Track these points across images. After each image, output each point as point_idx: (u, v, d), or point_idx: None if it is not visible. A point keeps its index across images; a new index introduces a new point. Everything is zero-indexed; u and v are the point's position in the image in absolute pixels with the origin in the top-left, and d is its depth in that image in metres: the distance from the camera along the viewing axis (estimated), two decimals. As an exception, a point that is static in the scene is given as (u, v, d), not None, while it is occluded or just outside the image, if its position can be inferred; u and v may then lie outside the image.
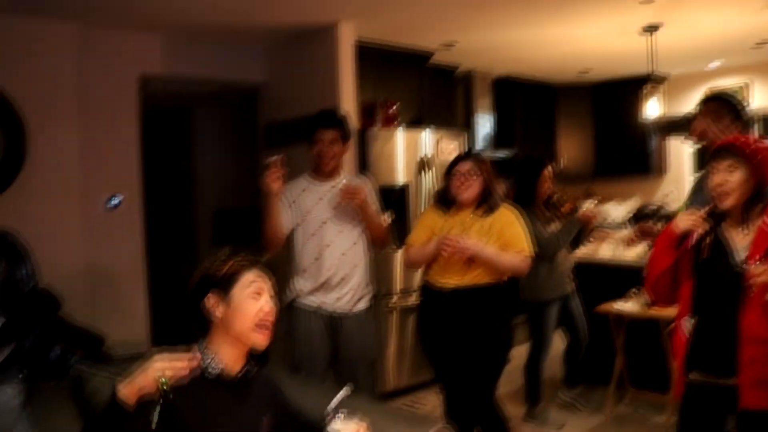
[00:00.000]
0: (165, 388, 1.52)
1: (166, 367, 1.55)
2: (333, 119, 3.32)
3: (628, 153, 7.06)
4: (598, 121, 7.31)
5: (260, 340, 1.82)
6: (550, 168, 4.20)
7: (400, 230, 4.63)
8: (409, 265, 3.59)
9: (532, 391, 4.28)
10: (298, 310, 3.28)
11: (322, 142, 3.22)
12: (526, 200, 4.00)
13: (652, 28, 4.81)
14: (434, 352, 3.34)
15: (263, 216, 3.23)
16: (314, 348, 3.25)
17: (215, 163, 6.20)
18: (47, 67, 4.05)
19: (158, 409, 1.55)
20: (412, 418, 2.11)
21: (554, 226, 4.11)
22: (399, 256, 4.69)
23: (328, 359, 3.28)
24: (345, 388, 2.08)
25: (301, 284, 3.27)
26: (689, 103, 6.81)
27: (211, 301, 1.82)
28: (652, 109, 5.02)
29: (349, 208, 3.21)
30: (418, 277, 4.83)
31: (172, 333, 6.04)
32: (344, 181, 3.28)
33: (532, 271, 3.65)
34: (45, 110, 4.03)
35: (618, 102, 7.04)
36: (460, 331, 3.16)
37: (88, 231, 4.21)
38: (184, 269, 6.45)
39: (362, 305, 3.33)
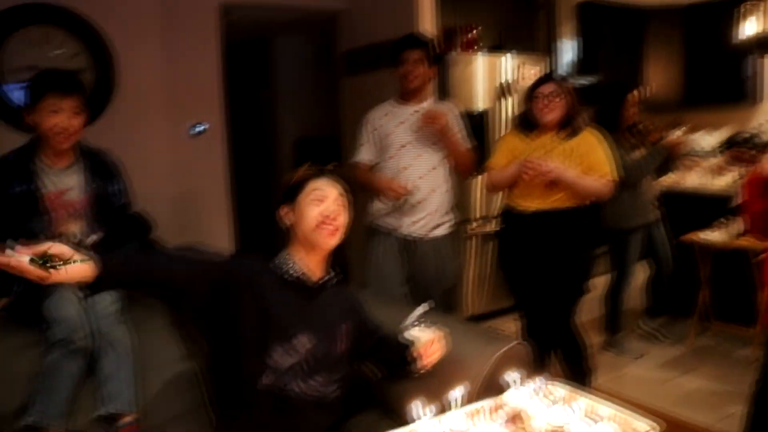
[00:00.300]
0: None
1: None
2: (418, 40, 3.29)
3: (721, 79, 6.67)
4: (689, 45, 6.91)
5: (323, 238, 1.89)
6: (635, 93, 4.05)
7: (479, 156, 4.59)
8: (490, 189, 3.56)
9: (613, 321, 4.25)
10: (374, 231, 3.33)
11: (407, 62, 3.19)
12: (610, 126, 3.86)
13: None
14: (514, 276, 3.35)
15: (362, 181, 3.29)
16: (388, 270, 3.28)
17: (295, 92, 6.25)
18: (132, -2, 4.14)
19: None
20: (489, 335, 2.13)
21: (638, 154, 3.97)
22: (478, 182, 4.67)
23: (403, 282, 3.31)
24: (424, 304, 2.13)
25: (378, 206, 3.31)
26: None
27: (284, 210, 1.94)
28: (750, 28, 4.70)
29: (430, 133, 3.18)
30: (497, 203, 4.83)
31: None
32: (426, 105, 3.25)
33: (615, 198, 3.58)
34: (131, 40, 4.14)
35: (712, 25, 6.61)
36: (541, 254, 3.15)
37: (174, 157, 4.35)
38: (267, 197, 6.67)
39: (440, 231, 3.31)
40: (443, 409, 1.50)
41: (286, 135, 6.28)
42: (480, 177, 4.65)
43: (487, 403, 1.54)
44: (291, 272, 1.90)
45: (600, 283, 4.75)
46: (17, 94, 3.86)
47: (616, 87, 4.12)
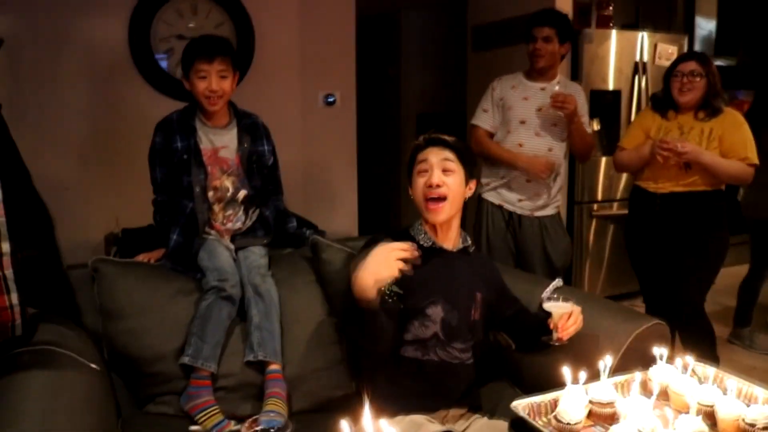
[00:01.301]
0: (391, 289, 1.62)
1: (395, 248, 1.60)
2: (549, 16, 3.19)
3: None
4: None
5: (428, 213, 1.93)
6: None
7: (609, 137, 4.49)
8: (620, 169, 3.46)
9: (743, 313, 4.08)
10: (483, 202, 3.33)
11: (537, 39, 3.13)
12: None
13: None
14: (641, 258, 3.28)
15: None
16: (494, 244, 3.27)
17: (421, 67, 6.27)
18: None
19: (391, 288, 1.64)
20: (627, 312, 2.11)
21: None
22: (603, 163, 4.57)
23: (511, 258, 3.29)
24: (557, 279, 2.14)
25: (488, 178, 3.31)
26: None
27: (409, 187, 2.01)
28: None
29: (554, 114, 3.12)
30: (621, 186, 4.72)
31: (377, 226, 6.43)
32: (557, 86, 3.18)
33: (761, 183, 3.42)
34: (270, 10, 4.30)
35: None
36: (671, 237, 3.07)
37: (307, 125, 4.50)
38: (389, 170, 6.76)
39: (548, 212, 3.26)
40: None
41: (410, 110, 6.33)
42: (604, 159, 4.57)
43: (634, 376, 1.54)
44: (422, 243, 1.95)
45: (733, 273, 4.57)
46: (165, 63, 4.12)
47: None
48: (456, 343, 1.93)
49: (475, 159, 2.10)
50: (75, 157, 3.93)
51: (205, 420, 1.93)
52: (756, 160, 2.97)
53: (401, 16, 6.21)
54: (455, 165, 1.94)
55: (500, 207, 3.26)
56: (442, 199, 1.92)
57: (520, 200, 3.22)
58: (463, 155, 1.98)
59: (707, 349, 3.14)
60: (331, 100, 4.58)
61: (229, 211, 2.31)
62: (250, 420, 1.29)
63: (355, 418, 1.17)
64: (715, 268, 3.12)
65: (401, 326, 1.87)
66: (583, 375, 1.44)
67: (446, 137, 1.99)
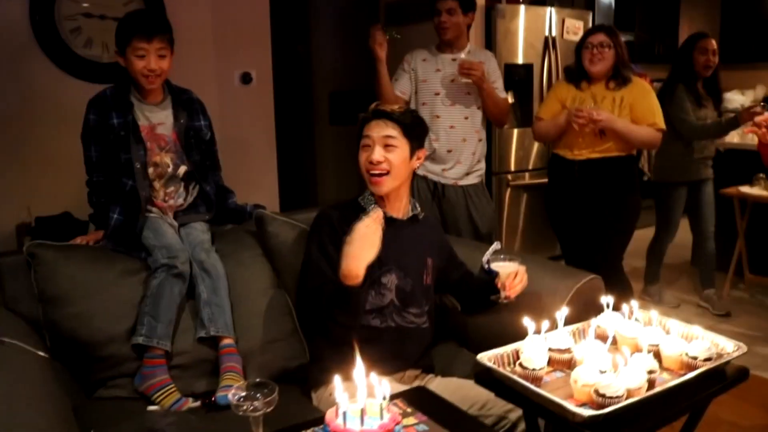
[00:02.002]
0: None
1: (370, 225, 1.75)
2: None
3: (757, 38, 6.67)
4: (725, 2, 6.91)
5: (372, 186, 1.99)
6: (710, 40, 3.93)
7: (523, 109, 4.66)
8: (538, 138, 3.59)
9: (652, 272, 4.35)
10: None
11: (442, 12, 3.19)
12: (683, 76, 3.92)
13: None
14: (561, 223, 3.43)
15: (375, 83, 3.32)
16: None
17: (333, 45, 6.26)
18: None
19: None
20: (561, 269, 2.23)
21: (707, 113, 3.95)
22: (516, 135, 4.73)
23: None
24: (496, 243, 2.23)
25: None
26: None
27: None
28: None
29: (467, 83, 3.18)
30: (532, 157, 4.90)
31: (296, 202, 6.39)
32: (464, 55, 3.23)
33: (665, 150, 3.71)
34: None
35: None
36: (590, 202, 3.23)
37: (224, 104, 4.42)
38: (302, 148, 6.71)
39: (470, 180, 3.32)
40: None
41: (323, 88, 6.33)
42: (516, 131, 4.73)
43: (590, 323, 1.65)
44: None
45: (640, 236, 4.85)
46: (73, 43, 3.93)
47: (686, 41, 4.07)
48: (411, 308, 1.99)
49: (425, 129, 2.12)
50: (-21, 144, 3.73)
51: (162, 399, 1.91)
52: (663, 126, 3.17)
53: (311, -8, 6.18)
54: (398, 140, 1.97)
55: (425, 178, 3.30)
56: (384, 173, 1.96)
57: (444, 170, 3.27)
58: (408, 128, 1.99)
59: (626, 298, 3.33)
60: (247, 78, 4.52)
61: (171, 188, 2.27)
62: None
63: (346, 376, 1.21)
64: (631, 228, 3.31)
65: None
66: (545, 324, 1.53)
67: (390, 110, 2.00)
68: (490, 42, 4.46)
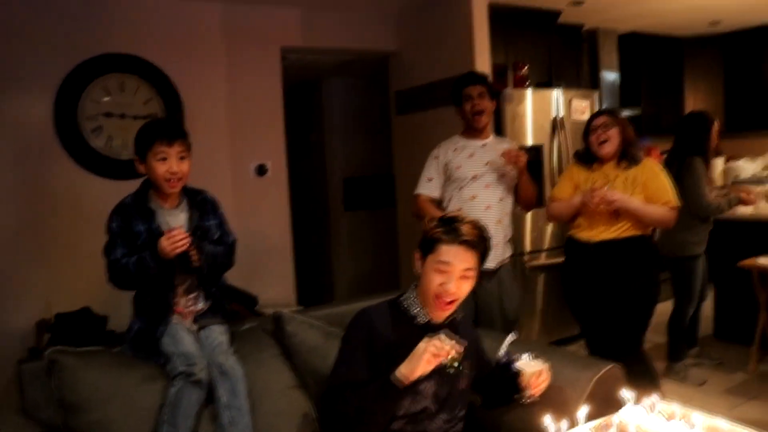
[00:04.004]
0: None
1: (435, 353, 1.76)
2: (477, 76, 3.42)
3: (762, 106, 6.76)
4: (728, 73, 7.03)
5: (437, 309, 1.96)
6: (716, 124, 4.20)
7: (537, 190, 4.69)
8: (553, 219, 3.63)
9: (674, 348, 4.28)
10: None
11: (473, 98, 3.31)
12: (699, 150, 4.07)
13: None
14: (579, 306, 3.41)
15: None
16: None
17: (345, 132, 6.41)
18: (198, 44, 4.37)
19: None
20: (582, 359, 2.21)
21: (714, 191, 4.14)
22: (529, 216, 4.76)
23: (472, 314, 3.32)
24: (511, 334, 2.22)
25: None
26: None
27: (416, 254, 2.01)
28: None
29: (501, 167, 3.29)
30: (548, 237, 4.92)
31: (313, 294, 6.42)
32: (504, 145, 3.37)
33: (689, 226, 3.93)
34: (198, 84, 4.37)
35: (751, 52, 6.73)
36: (607, 284, 3.21)
37: (240, 197, 4.52)
38: (318, 235, 6.79)
39: (501, 262, 3.37)
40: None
41: (336, 175, 6.44)
42: (530, 213, 4.77)
43: (611, 420, 1.62)
44: (418, 319, 1.99)
45: (659, 311, 4.80)
46: (94, 142, 4.07)
47: (699, 117, 4.23)
48: (445, 414, 1.97)
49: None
50: (2, 241, 3.81)
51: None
52: (677, 202, 3.19)
53: (323, 83, 6.37)
54: (473, 271, 1.97)
55: None
56: (454, 301, 1.97)
57: None
58: (483, 256, 2.00)
59: (651, 386, 3.28)
60: (262, 170, 4.63)
61: (193, 293, 2.31)
62: None
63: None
64: (650, 309, 3.28)
65: None
66: (564, 425, 1.51)
67: (477, 238, 1.96)
68: (499, 126, 4.55)
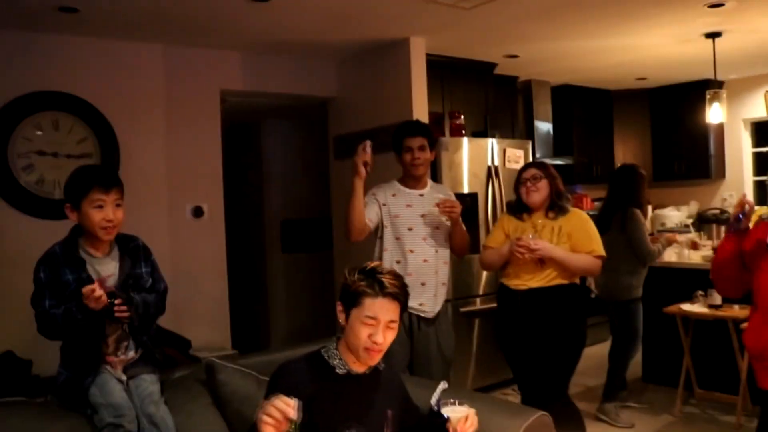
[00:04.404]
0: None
1: (267, 421, 1.65)
2: (420, 127, 3.46)
3: (687, 157, 7.10)
4: (655, 125, 7.38)
5: (367, 359, 1.98)
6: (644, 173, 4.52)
7: (472, 237, 4.78)
8: (485, 267, 3.69)
9: (612, 389, 4.41)
10: None
11: (413, 149, 3.35)
12: (635, 202, 4.31)
13: (714, 35, 4.88)
14: (510, 351, 3.47)
15: (348, 205, 3.30)
16: (393, 348, 3.34)
17: (283, 174, 6.43)
18: (137, 85, 4.35)
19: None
20: (512, 407, 2.26)
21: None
22: (465, 261, 4.84)
23: (407, 359, 3.36)
24: (443, 383, 2.25)
25: None
26: (749, 107, 6.88)
27: (339, 306, 2.01)
28: (716, 114, 5.08)
29: (436, 218, 3.34)
30: (482, 283, 5.01)
31: (249, 337, 6.32)
32: (440, 194, 3.41)
33: (633, 271, 4.23)
34: (135, 126, 4.33)
35: (676, 106, 7.10)
36: (535, 330, 3.28)
37: (176, 239, 4.47)
38: (255, 276, 6.74)
39: (439, 308, 3.41)
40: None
41: (274, 216, 6.44)
42: (467, 257, 4.85)
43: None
44: (338, 370, 2.00)
45: (593, 354, 4.93)
46: (25, 179, 3.98)
47: (632, 170, 4.49)
48: None
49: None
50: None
51: None
52: (602, 252, 3.30)
53: (262, 125, 6.40)
54: (397, 317, 2.00)
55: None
56: (381, 351, 1.99)
57: (421, 304, 3.32)
58: (404, 306, 2.03)
59: (578, 430, 3.36)
60: (199, 212, 4.60)
61: (124, 342, 2.27)
62: None
63: None
64: (575, 354, 3.36)
65: None
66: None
67: (399, 291, 1.98)
68: (435, 173, 4.64)
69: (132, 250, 2.37)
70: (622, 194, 4.36)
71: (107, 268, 2.28)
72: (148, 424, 2.10)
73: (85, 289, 2.04)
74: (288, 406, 1.64)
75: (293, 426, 1.67)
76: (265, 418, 1.65)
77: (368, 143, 3.19)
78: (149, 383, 2.23)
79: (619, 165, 7.15)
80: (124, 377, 2.23)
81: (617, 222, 4.28)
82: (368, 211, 3.36)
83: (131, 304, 2.20)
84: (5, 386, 3.46)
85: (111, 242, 2.33)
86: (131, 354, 2.28)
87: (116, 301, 2.14)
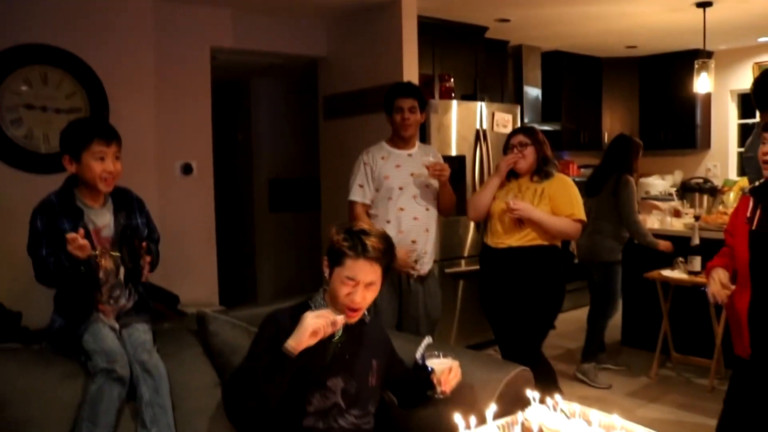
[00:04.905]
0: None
1: (320, 324, 1.85)
2: (411, 89, 3.49)
3: (673, 127, 7.16)
4: (644, 94, 7.42)
5: (346, 314, 2.03)
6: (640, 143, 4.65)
7: (458, 199, 4.83)
8: (474, 212, 3.53)
9: (591, 349, 4.52)
10: None
11: (403, 110, 3.38)
12: (626, 169, 4.43)
13: (705, 4, 4.90)
14: (489, 309, 3.55)
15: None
16: (382, 306, 3.40)
17: (272, 134, 6.43)
18: (126, 40, 4.30)
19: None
20: (495, 362, 2.33)
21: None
22: (451, 222, 4.91)
23: (395, 317, 3.44)
24: (427, 337, 2.32)
25: None
26: (736, 78, 6.93)
27: (324, 262, 2.08)
28: (703, 84, 5.12)
29: (425, 177, 3.39)
30: (468, 245, 5.07)
31: (236, 294, 6.37)
32: (429, 156, 3.46)
33: (612, 231, 4.37)
34: (124, 81, 4.29)
35: (664, 76, 7.13)
36: (512, 289, 3.35)
37: (164, 196, 4.48)
38: (242, 235, 6.76)
39: (428, 267, 3.49)
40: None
41: (262, 175, 6.45)
42: (453, 218, 4.90)
43: (516, 418, 1.74)
44: (336, 338, 2.05)
45: (573, 318, 5.04)
46: (12, 132, 3.96)
47: (630, 141, 4.61)
48: (355, 410, 2.04)
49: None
50: None
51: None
52: (582, 216, 3.35)
53: (251, 84, 6.37)
54: (377, 284, 2.05)
55: (390, 272, 3.38)
56: (360, 310, 2.06)
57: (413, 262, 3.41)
58: (388, 266, 2.08)
59: (552, 386, 3.44)
60: (188, 169, 4.60)
61: (117, 291, 2.31)
62: None
63: None
64: (551, 317, 3.45)
65: (302, 398, 1.96)
66: (473, 420, 1.61)
67: (379, 252, 2.02)
68: (424, 135, 4.67)
69: (126, 202, 2.41)
70: (616, 161, 4.47)
71: (102, 219, 2.32)
72: (141, 371, 2.15)
73: (70, 236, 2.07)
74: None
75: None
76: (316, 322, 1.85)
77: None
78: (142, 332, 2.28)
79: (606, 132, 7.27)
80: (116, 325, 2.27)
81: (609, 187, 4.39)
82: (365, 192, 3.44)
83: (151, 254, 2.31)
84: (-3, 336, 3.50)
85: (105, 194, 2.35)
86: (123, 302, 2.33)
87: (147, 258, 2.29)
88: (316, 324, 1.85)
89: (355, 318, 2.06)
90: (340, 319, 1.89)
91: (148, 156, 4.42)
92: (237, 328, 2.32)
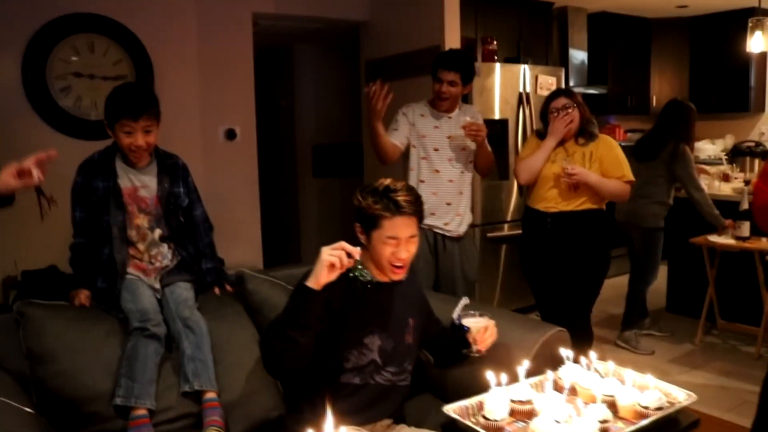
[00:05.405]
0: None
1: (335, 257, 1.80)
2: (456, 61, 3.38)
3: (726, 90, 6.93)
4: (694, 56, 7.19)
5: (392, 274, 2.05)
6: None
7: (500, 163, 4.81)
8: (524, 175, 3.44)
9: (631, 318, 4.48)
10: None
11: (443, 83, 3.35)
12: (684, 138, 4.30)
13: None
14: (533, 274, 3.54)
15: (372, 138, 3.32)
16: (418, 266, 3.43)
17: (315, 100, 6.45)
18: (169, 7, 4.36)
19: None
20: (532, 322, 2.33)
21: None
22: (494, 186, 4.88)
23: (431, 278, 3.46)
24: (464, 298, 2.33)
25: None
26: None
27: (358, 228, 2.09)
28: (757, 43, 4.93)
29: (462, 139, 3.36)
30: (511, 209, 5.05)
31: (280, 259, 6.46)
32: (468, 117, 3.42)
33: (664, 202, 4.27)
34: (168, 48, 4.36)
35: (717, 36, 6.89)
36: (561, 255, 3.33)
37: (209, 160, 4.56)
38: (286, 200, 6.83)
39: (463, 229, 3.49)
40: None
41: (305, 141, 6.49)
42: (505, 182, 4.88)
43: (547, 376, 1.75)
44: (362, 279, 2.08)
45: (616, 284, 4.99)
46: (63, 101, 4.07)
47: (686, 107, 4.41)
48: (392, 367, 2.07)
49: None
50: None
51: (149, 457, 1.98)
52: (632, 177, 3.31)
53: (294, 49, 6.38)
54: (417, 229, 2.05)
55: (426, 231, 3.39)
56: (405, 267, 2.06)
57: (446, 224, 3.43)
58: (421, 218, 2.08)
59: (587, 350, 3.43)
60: (232, 134, 4.66)
61: (155, 250, 2.37)
62: None
63: (318, 428, 1.30)
64: (598, 281, 3.42)
65: (341, 356, 2.00)
66: (504, 377, 1.63)
67: (414, 207, 2.02)
68: (466, 98, 4.61)
69: (170, 167, 2.45)
70: (670, 127, 4.32)
71: (143, 179, 2.37)
72: (183, 327, 2.22)
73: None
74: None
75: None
76: (330, 256, 1.79)
77: (372, 86, 3.15)
78: (183, 289, 2.34)
79: (654, 96, 7.09)
80: (157, 285, 2.34)
81: (666, 153, 4.26)
82: (400, 135, 3.41)
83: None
84: (48, 298, 3.62)
85: (150, 155, 2.40)
86: (165, 262, 2.39)
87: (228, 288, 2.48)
88: (331, 257, 1.81)
89: (401, 275, 2.06)
90: (356, 250, 1.84)
91: (192, 121, 4.50)
92: (275, 286, 2.37)
